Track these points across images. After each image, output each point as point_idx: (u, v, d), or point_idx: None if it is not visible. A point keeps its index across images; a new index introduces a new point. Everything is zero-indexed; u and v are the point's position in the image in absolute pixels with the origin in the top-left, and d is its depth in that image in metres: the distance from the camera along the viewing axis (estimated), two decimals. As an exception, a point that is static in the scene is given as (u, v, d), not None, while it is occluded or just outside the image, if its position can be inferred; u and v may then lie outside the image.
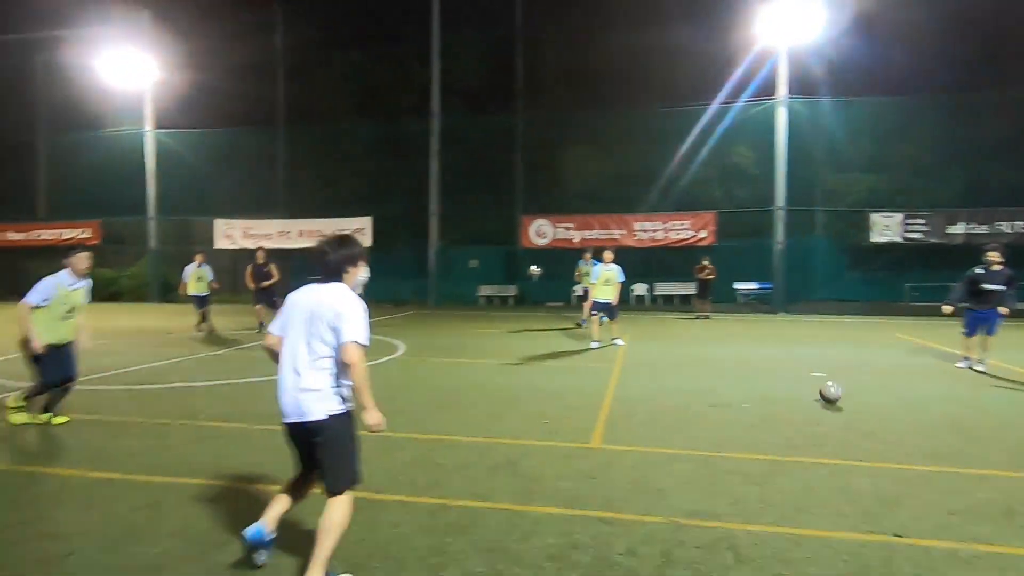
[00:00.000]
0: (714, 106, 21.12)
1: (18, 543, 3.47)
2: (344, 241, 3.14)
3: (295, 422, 2.99)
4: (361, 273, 3.15)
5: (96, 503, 4.05)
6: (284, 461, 4.44)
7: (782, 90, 19.61)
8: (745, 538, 3.54)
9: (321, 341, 2.95)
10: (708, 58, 21.60)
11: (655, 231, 20.64)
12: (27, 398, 5.85)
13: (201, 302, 13.38)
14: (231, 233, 23.76)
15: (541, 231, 21.62)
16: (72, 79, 25.21)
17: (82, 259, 5.89)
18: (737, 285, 21.48)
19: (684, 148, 22.00)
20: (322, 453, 2.97)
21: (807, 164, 21.07)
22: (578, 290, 16.28)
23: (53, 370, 5.78)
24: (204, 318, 13.39)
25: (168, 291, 23.55)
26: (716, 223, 20.48)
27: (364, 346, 2.95)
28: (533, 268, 15.60)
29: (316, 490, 3.21)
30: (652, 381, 8.18)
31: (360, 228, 22.27)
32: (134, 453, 5.08)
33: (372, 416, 2.96)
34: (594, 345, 11.15)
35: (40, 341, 5.60)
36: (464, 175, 22.72)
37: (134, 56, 23.06)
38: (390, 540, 3.51)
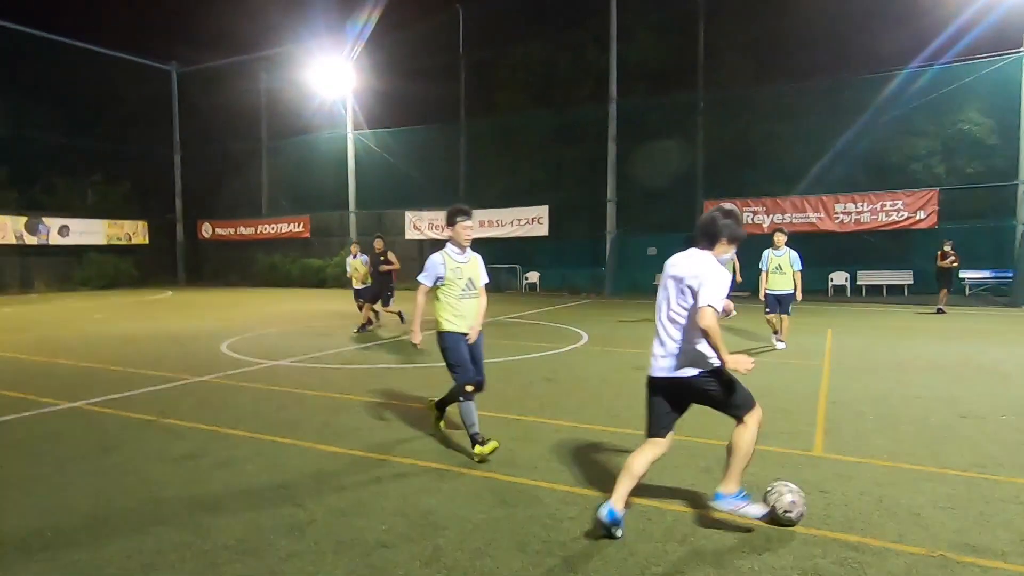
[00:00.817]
0: (935, 66, 18.32)
1: (264, 508, 3.82)
2: (729, 214, 3.42)
3: (661, 376, 3.44)
4: (730, 251, 3.43)
5: (326, 476, 4.36)
6: (508, 448, 4.52)
7: (1031, 42, 16.44)
8: (1046, 586, 2.86)
9: (680, 301, 3.35)
10: (918, 11, 18.73)
11: (860, 213, 18.47)
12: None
13: (362, 293, 12.65)
14: (419, 224, 25.33)
15: (725, 216, 20.36)
16: (287, 91, 28.47)
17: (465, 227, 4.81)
18: (965, 274, 18.52)
19: (894, 118, 19.38)
20: (707, 400, 3.40)
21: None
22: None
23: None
24: (373, 308, 12.58)
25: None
26: (938, 202, 17.80)
27: (716, 311, 3.20)
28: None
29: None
30: (875, 384, 7.20)
31: (538, 217, 22.59)
32: (357, 428, 5.46)
33: (739, 362, 3.19)
34: (779, 346, 9.64)
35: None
36: (643, 160, 22.06)
37: (336, 66, 25.40)
38: (615, 545, 3.33)
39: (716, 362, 3.32)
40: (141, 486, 4.20)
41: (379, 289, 12.44)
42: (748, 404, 3.40)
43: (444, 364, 4.83)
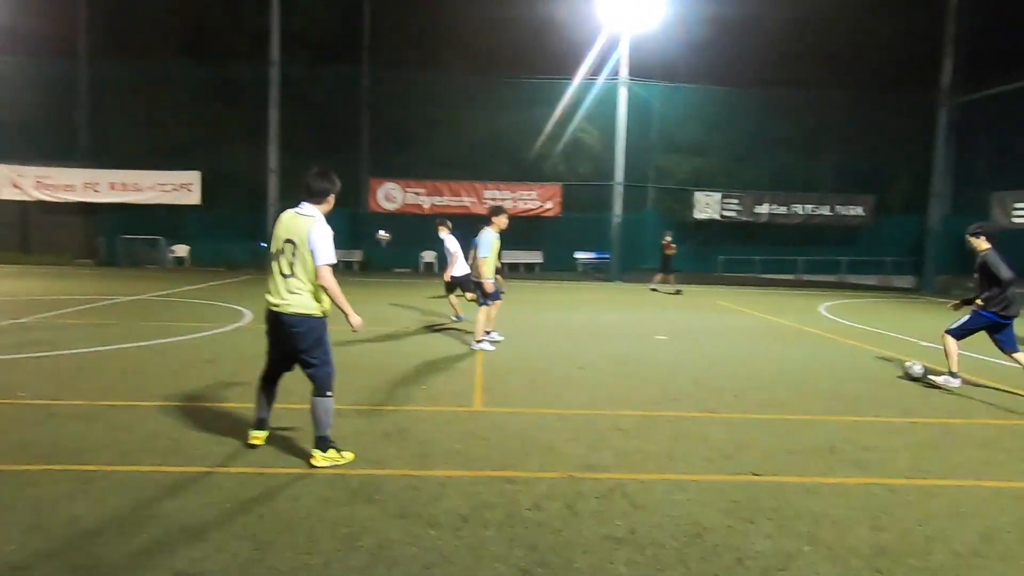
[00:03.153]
0: (559, 80, 21.88)
1: None
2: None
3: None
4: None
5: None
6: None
7: (623, 71, 20.79)
8: (635, 486, 3.85)
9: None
10: (557, 34, 22.25)
11: (504, 200, 21.10)
12: None
13: None
14: (20, 183, 20.30)
15: (390, 195, 21.14)
16: None
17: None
18: (578, 255, 22.73)
19: (532, 121, 22.61)
20: None
21: (643, 144, 22.72)
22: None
23: None
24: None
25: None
26: (561, 195, 21.40)
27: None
28: (382, 232, 15.19)
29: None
30: (516, 347, 8.46)
31: (187, 183, 20.20)
32: (-57, 439, 4.26)
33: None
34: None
35: None
36: (307, 130, 21.40)
37: None
38: (294, 513, 3.33)
39: None
40: None
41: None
42: None
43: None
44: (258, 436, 4.24)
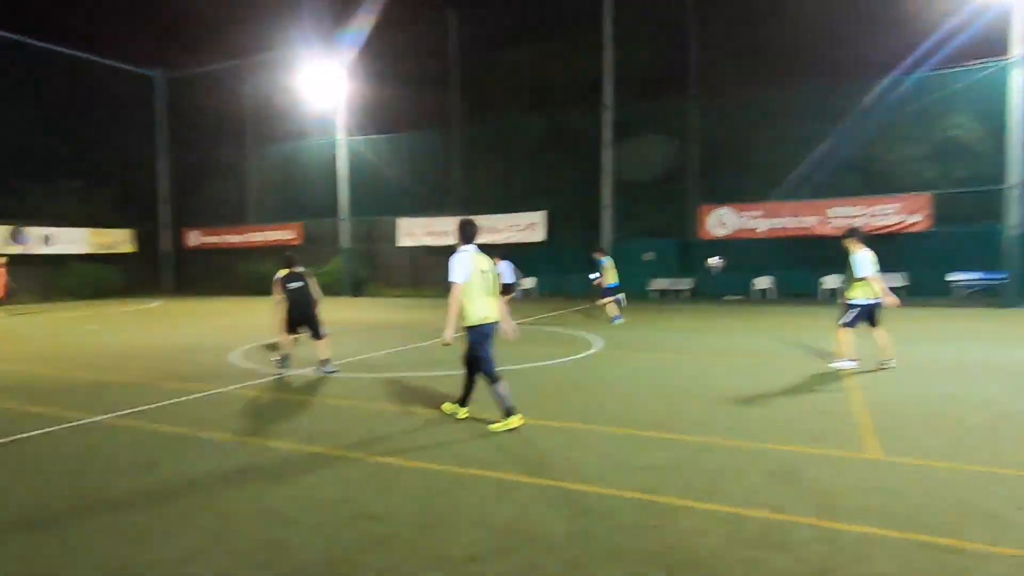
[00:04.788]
0: (920, 74, 18.71)
1: (342, 524, 3.72)
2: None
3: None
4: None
5: (389, 488, 4.27)
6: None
7: (1017, 49, 16.86)
8: None
9: None
10: (899, 22, 19.12)
11: (856, 217, 18.73)
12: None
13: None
14: (413, 231, 25.17)
15: (723, 220, 20.52)
16: (275, 97, 28.21)
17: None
18: (953, 275, 18.85)
19: (884, 124, 19.74)
20: None
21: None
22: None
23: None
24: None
25: (358, 286, 25.65)
26: (932, 206, 18.14)
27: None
28: (714, 260, 14.70)
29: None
30: (898, 383, 7.27)
31: (533, 223, 22.59)
32: (409, 433, 5.36)
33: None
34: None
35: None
36: (637, 167, 22.18)
37: (326, 72, 25.21)
38: (699, 552, 3.28)
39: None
40: (204, 504, 4.07)
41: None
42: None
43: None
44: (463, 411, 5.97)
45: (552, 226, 23.18)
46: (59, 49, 26.66)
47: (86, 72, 27.56)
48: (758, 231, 19.94)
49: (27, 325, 16.26)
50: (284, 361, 8.56)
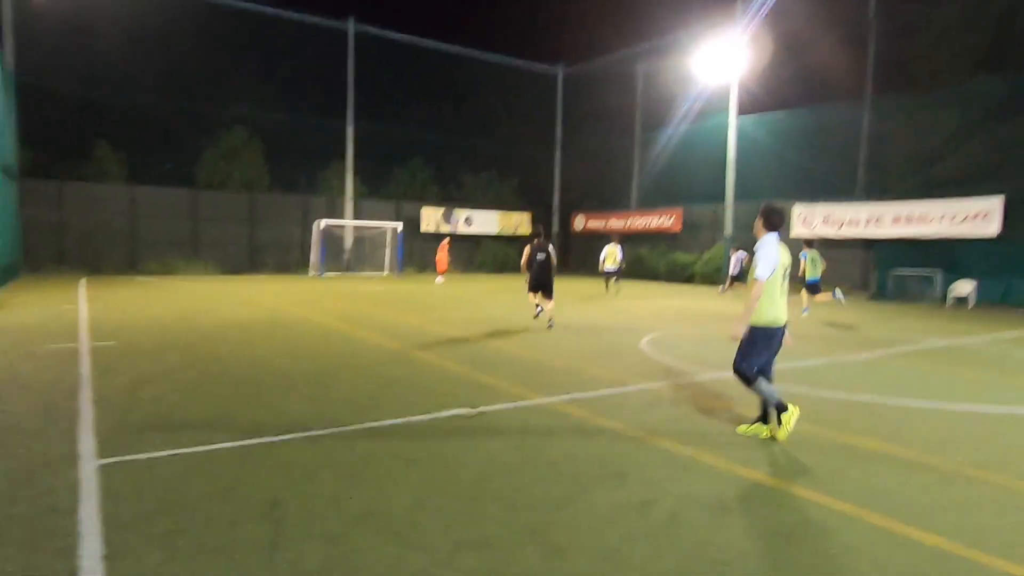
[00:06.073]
0: None
1: None
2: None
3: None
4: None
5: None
6: None
7: None
8: None
9: None
10: None
11: None
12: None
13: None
14: (810, 218, 22.33)
15: None
16: (666, 81, 28.05)
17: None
18: None
19: None
20: None
21: None
22: None
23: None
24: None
25: (743, 276, 23.95)
26: None
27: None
28: None
29: None
30: None
31: (983, 212, 17.77)
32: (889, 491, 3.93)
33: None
34: None
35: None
36: None
37: (722, 49, 23.82)
38: None
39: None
40: (700, 551, 3.34)
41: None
42: None
43: None
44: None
45: (1008, 215, 17.88)
46: (484, 57, 30.98)
47: (501, 75, 31.54)
48: None
49: (464, 292, 19.06)
50: (539, 310, 11.88)
